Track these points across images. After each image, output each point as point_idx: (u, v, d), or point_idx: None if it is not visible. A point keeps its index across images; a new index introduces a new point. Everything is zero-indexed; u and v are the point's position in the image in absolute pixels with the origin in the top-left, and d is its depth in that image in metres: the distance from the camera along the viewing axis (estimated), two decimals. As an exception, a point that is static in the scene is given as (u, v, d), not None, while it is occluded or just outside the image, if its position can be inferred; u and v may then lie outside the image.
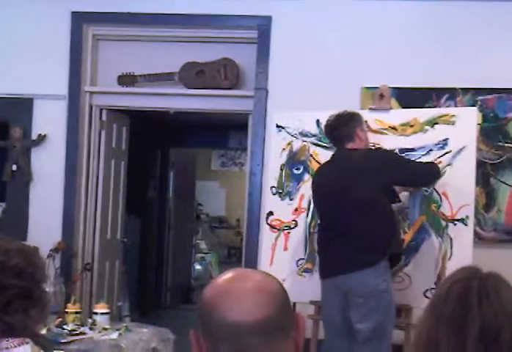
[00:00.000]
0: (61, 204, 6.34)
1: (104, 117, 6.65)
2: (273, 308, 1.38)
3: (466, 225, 4.60)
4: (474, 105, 5.50)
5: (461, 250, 4.55)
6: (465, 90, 5.82)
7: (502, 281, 1.98)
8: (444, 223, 4.65)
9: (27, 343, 1.42)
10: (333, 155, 4.65)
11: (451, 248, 4.62)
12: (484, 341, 1.83)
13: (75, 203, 6.37)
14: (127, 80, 6.44)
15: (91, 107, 6.52)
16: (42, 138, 6.30)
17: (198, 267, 11.44)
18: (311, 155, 5.01)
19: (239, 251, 11.32)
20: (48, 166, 6.36)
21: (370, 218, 4.29)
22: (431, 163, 4.62)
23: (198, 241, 11.87)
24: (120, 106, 6.70)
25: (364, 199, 4.28)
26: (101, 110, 6.62)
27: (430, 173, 4.56)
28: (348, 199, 4.32)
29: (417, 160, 4.66)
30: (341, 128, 4.52)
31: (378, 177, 4.30)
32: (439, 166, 4.59)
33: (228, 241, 13.16)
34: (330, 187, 4.45)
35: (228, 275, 1.41)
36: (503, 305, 1.87)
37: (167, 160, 10.28)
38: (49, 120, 6.36)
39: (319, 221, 4.66)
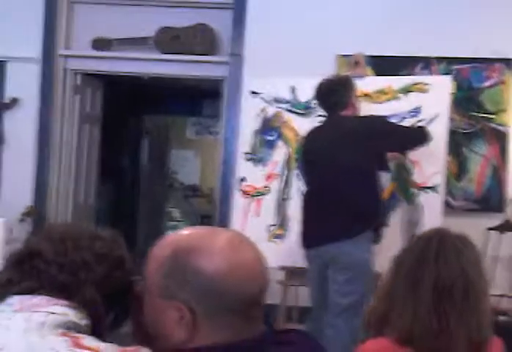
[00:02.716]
0: (34, 169, 6.32)
1: (78, 81, 6.61)
2: (267, 276, 1.41)
3: (436, 193, 4.63)
4: (448, 75, 5.50)
5: (431, 218, 4.57)
6: (440, 59, 5.84)
7: (467, 241, 2.04)
8: (414, 190, 4.68)
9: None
10: (324, 120, 4.52)
11: (421, 215, 4.65)
12: (438, 293, 1.91)
13: (48, 167, 6.34)
14: (101, 44, 6.39)
15: (65, 71, 6.47)
16: (14, 101, 6.25)
17: (170, 234, 11.41)
18: (285, 122, 5.01)
19: (212, 220, 11.33)
20: (20, 130, 6.33)
21: (358, 188, 4.17)
22: (420, 127, 4.55)
23: (171, 209, 11.85)
24: (95, 70, 6.65)
25: (354, 167, 4.16)
26: (75, 74, 6.58)
27: (420, 137, 4.41)
28: (337, 166, 4.19)
29: (406, 125, 4.63)
30: (334, 95, 4.34)
31: (369, 144, 4.17)
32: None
33: (201, 209, 13.12)
34: (320, 153, 4.31)
35: (222, 241, 1.37)
36: (460, 262, 1.94)
37: (141, 127, 10.24)
38: (22, 83, 6.31)
39: (305, 188, 4.50)
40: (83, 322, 1.35)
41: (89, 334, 1.32)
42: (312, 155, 4.42)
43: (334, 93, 4.35)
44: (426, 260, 1.97)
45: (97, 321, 1.40)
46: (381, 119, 4.50)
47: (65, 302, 1.35)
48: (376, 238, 4.29)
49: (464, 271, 1.95)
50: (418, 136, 4.42)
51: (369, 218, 4.20)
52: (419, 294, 1.93)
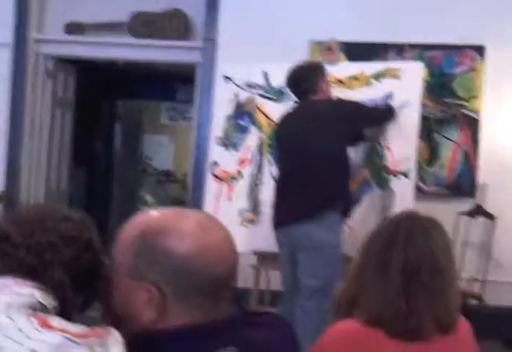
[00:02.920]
0: (6, 154, 6.28)
1: (51, 66, 6.56)
2: (237, 258, 1.43)
3: (408, 178, 4.66)
4: (420, 61, 5.52)
5: (403, 203, 4.59)
6: (412, 46, 5.87)
7: (436, 224, 2.06)
8: (386, 176, 4.71)
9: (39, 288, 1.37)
10: (295, 106, 4.57)
11: (393, 200, 4.67)
12: (406, 275, 1.93)
13: (20, 152, 6.31)
14: (74, 28, 6.35)
15: (37, 55, 6.43)
16: (-14, 85, 6.20)
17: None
18: (257, 107, 5.01)
19: (185, 205, 11.30)
20: (-8, 114, 6.28)
21: (325, 170, 4.22)
22: (387, 105, 4.66)
23: (144, 194, 11.82)
24: (67, 55, 6.61)
25: (323, 150, 4.22)
26: (48, 59, 6.54)
27: (388, 114, 4.59)
28: (308, 150, 4.24)
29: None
30: (303, 81, 4.42)
31: (341, 126, 4.25)
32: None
33: (174, 195, 13.11)
34: (291, 138, 4.38)
35: (192, 222, 1.38)
36: (429, 245, 1.96)
37: (115, 112, 10.19)
38: (-6, 67, 6.26)
39: (278, 174, 4.55)
40: (51, 303, 1.35)
41: (57, 316, 1.32)
42: (284, 141, 4.48)
43: (303, 80, 4.42)
44: (395, 243, 1.99)
45: (65, 303, 1.40)
46: (350, 101, 4.52)
47: (32, 283, 1.35)
48: (343, 218, 4.35)
49: (433, 254, 1.97)
50: (386, 114, 4.59)
51: (330, 200, 4.23)
52: (388, 276, 1.95)
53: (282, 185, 4.41)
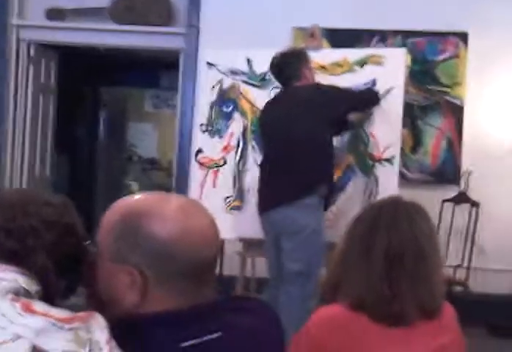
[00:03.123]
0: (-12, 141, 6.24)
1: (32, 52, 6.52)
2: (219, 242, 1.42)
3: (392, 165, 4.67)
4: (404, 48, 5.52)
5: (387, 190, 4.60)
6: (395, 32, 5.87)
7: (420, 210, 2.06)
8: (371, 163, 4.72)
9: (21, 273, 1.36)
10: (279, 93, 4.62)
11: (377, 187, 4.69)
12: (389, 260, 1.94)
13: (2, 139, 6.27)
14: (55, 14, 6.31)
15: (18, 41, 6.38)
16: (-33, 72, 6.15)
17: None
18: (241, 93, 5.00)
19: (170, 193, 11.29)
20: (-27, 101, 6.24)
21: (307, 155, 4.23)
22: (369, 89, 4.68)
23: (129, 182, 11.80)
24: (49, 41, 6.56)
25: (306, 135, 4.23)
26: (29, 44, 6.49)
27: (372, 98, 4.61)
28: (290, 136, 4.27)
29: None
30: (286, 68, 4.44)
31: (323, 111, 4.26)
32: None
33: (159, 182, 13.09)
34: (274, 124, 4.40)
35: (174, 206, 1.37)
36: (412, 230, 1.96)
37: (98, 99, 10.14)
38: (-25, 54, 6.21)
39: (262, 160, 4.55)
40: (34, 288, 1.34)
41: (40, 300, 1.32)
42: (268, 127, 4.49)
43: (286, 66, 4.45)
44: (378, 227, 1.99)
45: (48, 288, 1.39)
46: (333, 86, 4.51)
47: (15, 268, 1.34)
48: (326, 206, 4.36)
49: (416, 239, 1.97)
50: (369, 98, 4.62)
51: (313, 185, 4.23)
52: (371, 261, 1.95)
53: (266, 172, 4.42)
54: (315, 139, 4.26)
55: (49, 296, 1.38)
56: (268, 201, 4.34)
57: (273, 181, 4.33)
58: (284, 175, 4.26)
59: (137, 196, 1.43)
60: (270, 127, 4.46)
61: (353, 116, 4.64)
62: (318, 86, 4.50)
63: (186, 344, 1.30)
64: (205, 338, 1.33)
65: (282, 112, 4.37)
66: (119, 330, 1.28)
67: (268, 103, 4.57)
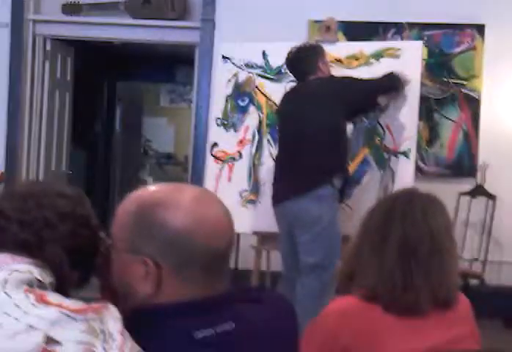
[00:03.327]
0: (4, 135, 6.27)
1: (48, 47, 6.53)
2: (234, 232, 1.42)
3: (408, 158, 4.65)
4: (420, 40, 5.50)
5: (403, 183, 4.58)
6: (412, 25, 5.84)
7: (436, 201, 2.05)
8: (386, 155, 4.70)
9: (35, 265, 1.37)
10: (295, 85, 4.59)
11: (392, 180, 4.67)
12: (403, 252, 1.93)
13: (19, 134, 6.30)
14: (71, 8, 6.32)
15: (34, 36, 6.39)
16: (-16, 67, 6.17)
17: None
18: (256, 87, 5.00)
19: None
20: (-10, 96, 6.27)
21: (321, 146, 4.21)
22: (391, 73, 4.52)
23: (145, 177, 11.83)
24: (65, 36, 6.58)
25: (318, 127, 4.22)
26: (45, 39, 6.50)
27: (392, 80, 4.50)
28: (304, 128, 4.25)
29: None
30: (302, 63, 4.42)
31: (337, 100, 4.24)
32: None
33: (176, 177, 13.12)
34: (289, 117, 4.40)
35: (189, 196, 1.37)
36: (427, 221, 1.95)
37: (114, 94, 10.16)
38: (-9, 49, 6.24)
39: (277, 153, 4.53)
40: (48, 280, 1.34)
41: (54, 292, 1.32)
42: (283, 120, 4.49)
43: (302, 61, 4.43)
44: (393, 219, 1.98)
45: (62, 279, 1.39)
46: (345, 76, 4.50)
47: (29, 260, 1.35)
48: (341, 198, 4.35)
49: (431, 231, 1.97)
50: (390, 80, 4.50)
51: (327, 176, 4.21)
52: (385, 252, 1.95)
53: (281, 164, 4.43)
54: (329, 130, 4.25)
55: (63, 287, 1.38)
56: (282, 192, 4.33)
57: (288, 173, 4.33)
58: (297, 167, 4.25)
59: (151, 187, 1.43)
60: (285, 120, 4.47)
61: (383, 99, 4.54)
62: (332, 77, 4.50)
63: (200, 334, 1.30)
64: (219, 329, 1.33)
65: (297, 105, 4.36)
66: (132, 321, 1.28)
67: (284, 97, 4.57)
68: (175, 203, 1.35)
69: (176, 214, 1.34)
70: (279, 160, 4.48)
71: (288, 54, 4.48)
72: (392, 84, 4.51)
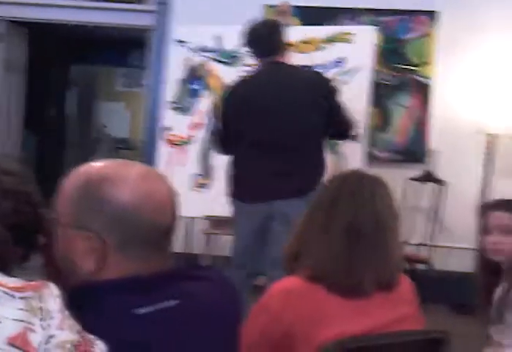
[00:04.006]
0: (-45, 117, 6.19)
1: (2, 29, 6.45)
2: (178, 209, 1.42)
3: (358, 143, 4.68)
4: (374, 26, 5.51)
5: (353, 167, 4.61)
6: (366, 11, 5.86)
7: (382, 184, 2.07)
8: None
9: None
10: (263, 66, 4.03)
11: (344, 165, 4.71)
12: (349, 232, 1.95)
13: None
14: (24, -10, 6.24)
15: (-14, 18, 6.31)
16: None
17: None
18: (210, 71, 4.99)
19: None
20: None
21: (314, 146, 3.97)
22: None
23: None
24: (18, 17, 6.49)
25: (313, 125, 3.91)
26: (-1, 21, 6.42)
27: (350, 124, 4.11)
28: (298, 123, 3.90)
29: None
30: (269, 39, 3.97)
31: (324, 104, 3.90)
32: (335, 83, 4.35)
33: (130, 162, 13.05)
34: (262, 101, 3.93)
35: (135, 172, 1.37)
36: (374, 203, 1.97)
37: (68, 78, 10.06)
38: None
39: (241, 138, 4.00)
40: None
41: None
42: (251, 103, 4.00)
43: (270, 37, 3.99)
44: (340, 199, 1.99)
45: (4, 256, 1.39)
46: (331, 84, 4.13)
47: None
48: None
49: (377, 212, 1.98)
50: (350, 122, 4.12)
51: (320, 177, 3.95)
52: (331, 232, 1.96)
53: (253, 153, 4.00)
54: (321, 131, 3.98)
55: (4, 264, 1.37)
56: (270, 191, 3.94)
57: (280, 169, 3.93)
58: (294, 167, 3.94)
59: (98, 163, 1.42)
60: (253, 102, 3.98)
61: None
62: (323, 76, 4.13)
63: (142, 311, 1.30)
64: (162, 305, 1.33)
65: (270, 88, 3.96)
66: (74, 298, 1.27)
67: (247, 79, 4.13)
68: (123, 179, 1.35)
69: (123, 190, 1.33)
70: (256, 152, 3.99)
71: (252, 30, 4.01)
72: (350, 127, 4.13)
